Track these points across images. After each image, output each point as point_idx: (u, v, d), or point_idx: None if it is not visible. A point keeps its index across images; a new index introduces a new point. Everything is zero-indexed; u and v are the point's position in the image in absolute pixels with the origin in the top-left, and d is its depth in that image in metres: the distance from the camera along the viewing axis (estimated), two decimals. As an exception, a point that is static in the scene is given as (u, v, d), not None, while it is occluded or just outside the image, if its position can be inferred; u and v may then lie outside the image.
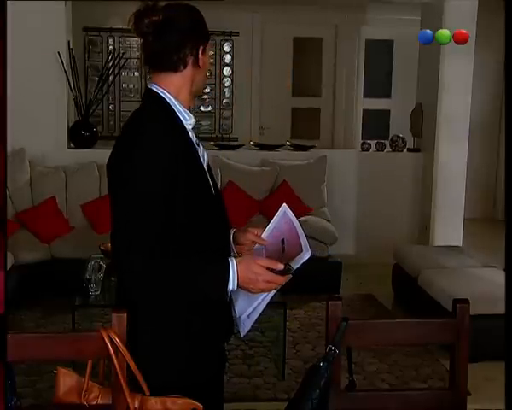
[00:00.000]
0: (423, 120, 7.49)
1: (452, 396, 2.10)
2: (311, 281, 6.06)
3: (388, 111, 9.92)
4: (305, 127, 9.67)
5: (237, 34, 9.27)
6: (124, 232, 1.90)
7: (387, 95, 9.93)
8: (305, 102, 9.80)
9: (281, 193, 6.72)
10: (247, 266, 1.95)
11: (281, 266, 1.95)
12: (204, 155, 2.14)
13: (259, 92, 9.58)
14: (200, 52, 2.08)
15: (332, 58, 9.75)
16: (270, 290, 1.99)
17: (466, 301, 2.16)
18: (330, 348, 2.01)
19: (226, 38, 9.30)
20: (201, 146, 2.15)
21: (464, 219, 7.26)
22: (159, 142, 1.94)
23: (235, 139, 8.89)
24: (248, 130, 9.21)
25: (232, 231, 2.22)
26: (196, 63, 2.08)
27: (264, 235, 2.15)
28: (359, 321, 2.15)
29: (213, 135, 9.28)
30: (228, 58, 9.37)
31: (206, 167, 2.12)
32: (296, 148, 7.57)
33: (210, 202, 2.11)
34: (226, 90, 9.40)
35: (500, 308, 4.82)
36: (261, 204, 6.70)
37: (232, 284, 1.94)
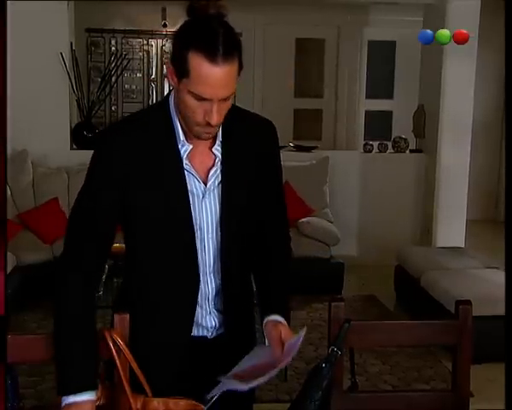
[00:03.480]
0: (426, 121, 7.49)
1: (455, 398, 2.10)
2: (314, 282, 6.08)
3: (391, 112, 9.92)
4: (307, 128, 9.66)
5: (239, 35, 9.25)
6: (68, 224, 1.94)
7: (390, 96, 9.92)
8: (307, 103, 9.80)
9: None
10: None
11: None
12: (194, 183, 1.91)
13: (261, 93, 9.57)
14: (171, 72, 1.81)
15: (334, 59, 9.75)
16: None
17: (468, 302, 2.16)
18: (333, 350, 2.00)
19: (228, 38, 9.30)
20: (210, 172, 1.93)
21: (466, 221, 7.25)
22: (119, 150, 1.86)
23: (238, 140, 8.87)
24: (250, 131, 9.19)
25: (265, 319, 2.02)
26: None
27: (285, 346, 1.93)
28: (362, 322, 2.15)
29: (215, 136, 9.28)
30: (230, 59, 9.36)
31: (196, 191, 1.92)
32: (298, 149, 7.57)
33: (177, 231, 1.93)
34: (228, 90, 9.39)
35: (502, 310, 4.82)
36: (263, 205, 6.69)
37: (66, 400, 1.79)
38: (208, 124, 1.80)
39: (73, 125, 7.09)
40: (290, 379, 4.43)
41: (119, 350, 1.86)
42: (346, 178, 7.41)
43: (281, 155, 2.13)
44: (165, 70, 9.39)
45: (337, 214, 6.97)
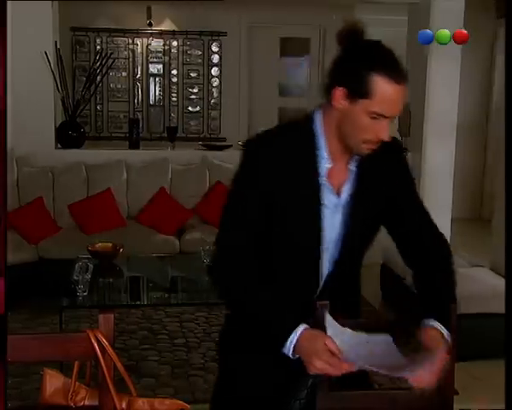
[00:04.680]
0: (411, 120, 7.50)
1: (440, 396, 2.10)
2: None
3: (376, 111, 9.93)
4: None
5: (225, 34, 9.28)
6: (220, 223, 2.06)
7: (375, 95, 9.94)
8: (291, 102, 9.82)
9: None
10: (312, 337, 1.84)
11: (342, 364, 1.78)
12: (328, 196, 2.02)
13: (247, 92, 9.58)
14: (340, 95, 1.92)
15: (319, 58, 9.77)
16: (323, 372, 1.81)
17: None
18: (318, 348, 1.99)
19: (214, 38, 9.32)
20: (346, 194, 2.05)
21: (452, 219, 7.27)
22: (263, 161, 2.00)
23: (223, 140, 8.88)
24: (236, 130, 9.20)
25: (426, 323, 2.03)
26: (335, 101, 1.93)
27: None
28: (347, 320, 2.14)
29: (201, 135, 9.28)
30: (216, 58, 9.39)
31: (330, 205, 2.03)
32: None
33: (307, 246, 2.05)
34: (214, 90, 9.41)
35: (487, 307, 4.84)
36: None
37: (287, 349, 1.85)
38: (379, 140, 1.92)
39: (58, 125, 7.05)
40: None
41: (103, 350, 1.86)
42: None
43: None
44: (150, 69, 9.39)
45: (323, 213, 6.97)
